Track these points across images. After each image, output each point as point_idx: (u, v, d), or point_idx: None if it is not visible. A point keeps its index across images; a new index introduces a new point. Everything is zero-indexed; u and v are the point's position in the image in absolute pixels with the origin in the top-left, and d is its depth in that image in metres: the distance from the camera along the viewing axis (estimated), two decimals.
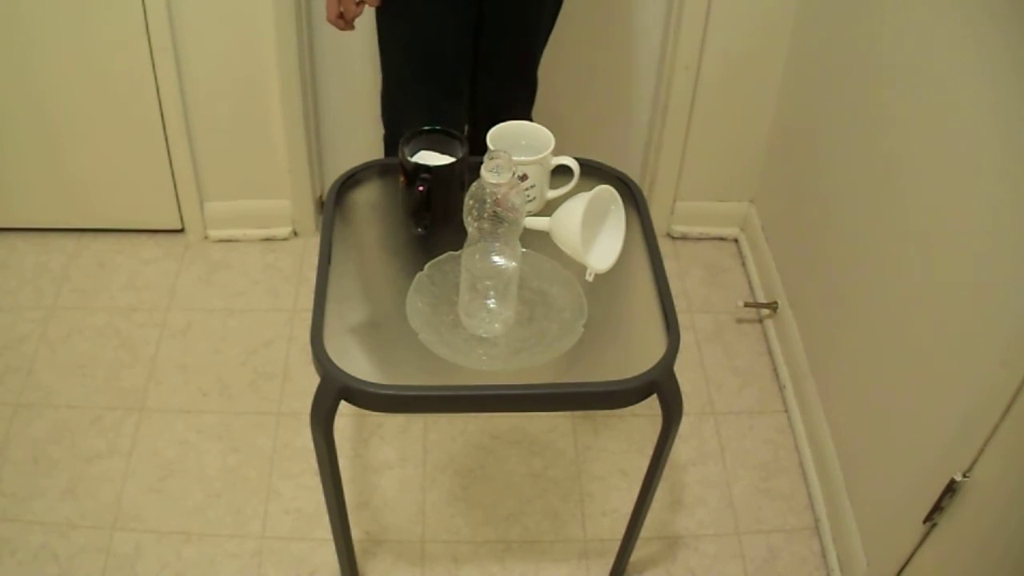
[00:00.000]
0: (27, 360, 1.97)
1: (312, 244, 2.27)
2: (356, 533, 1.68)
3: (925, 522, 1.35)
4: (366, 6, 1.60)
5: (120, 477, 1.78)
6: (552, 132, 1.35)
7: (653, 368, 1.17)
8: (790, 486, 1.82)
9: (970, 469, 1.26)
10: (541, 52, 1.79)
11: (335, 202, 1.38)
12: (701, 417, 1.94)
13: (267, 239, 2.28)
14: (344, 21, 1.60)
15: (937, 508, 1.32)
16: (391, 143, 1.79)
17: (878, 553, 1.53)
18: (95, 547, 1.66)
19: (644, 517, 1.46)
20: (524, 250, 1.23)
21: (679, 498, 1.79)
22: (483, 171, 1.10)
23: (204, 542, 1.69)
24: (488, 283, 1.17)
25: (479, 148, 1.27)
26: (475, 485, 1.80)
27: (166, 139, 2.09)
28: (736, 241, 2.34)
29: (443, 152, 1.32)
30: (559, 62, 1.92)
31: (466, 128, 1.78)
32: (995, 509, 1.23)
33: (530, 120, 1.86)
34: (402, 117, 1.75)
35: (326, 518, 1.58)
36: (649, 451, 1.34)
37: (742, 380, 2.01)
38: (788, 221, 2.06)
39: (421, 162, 1.28)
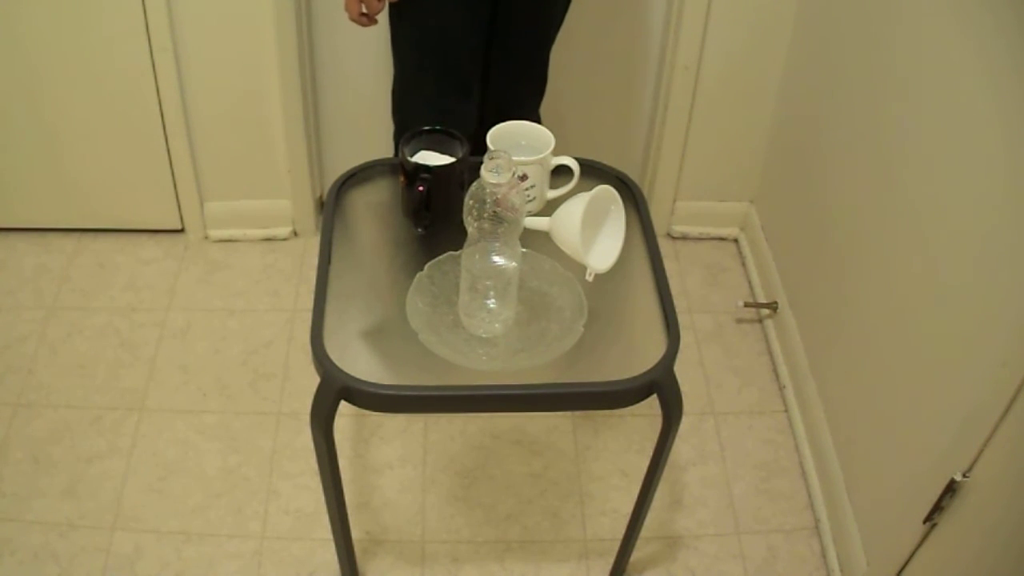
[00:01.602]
0: (27, 360, 1.97)
1: (312, 244, 2.27)
2: (356, 533, 1.68)
3: (925, 522, 1.35)
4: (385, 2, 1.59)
5: (120, 477, 1.78)
6: (552, 132, 1.35)
7: (653, 368, 1.17)
8: (790, 486, 1.82)
9: (970, 469, 1.26)
10: (551, 48, 1.79)
11: (335, 202, 1.38)
12: (701, 417, 1.94)
13: (267, 239, 2.28)
14: (367, 18, 1.60)
15: (937, 508, 1.32)
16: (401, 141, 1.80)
17: (878, 553, 1.53)
18: (95, 547, 1.66)
19: (644, 517, 1.46)
20: (524, 250, 1.23)
21: (679, 498, 1.79)
22: (483, 171, 1.10)
23: (204, 542, 1.69)
24: (488, 283, 1.17)
25: (486, 146, 1.27)
26: (475, 485, 1.80)
27: (166, 139, 2.09)
28: (736, 241, 2.34)
29: (443, 152, 1.32)
30: (559, 62, 1.91)
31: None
32: (995, 509, 1.23)
33: (538, 117, 1.86)
34: (413, 115, 1.75)
35: (326, 518, 1.58)
36: (649, 451, 1.34)
37: (742, 380, 2.01)
38: (788, 221, 2.06)
39: (421, 162, 1.28)
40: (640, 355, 1.19)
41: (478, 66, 1.71)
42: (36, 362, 1.97)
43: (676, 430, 1.23)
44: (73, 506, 1.72)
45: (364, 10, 1.59)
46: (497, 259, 1.15)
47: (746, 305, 2.12)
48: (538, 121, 1.86)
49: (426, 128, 1.32)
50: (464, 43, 1.65)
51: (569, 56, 2.07)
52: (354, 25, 1.62)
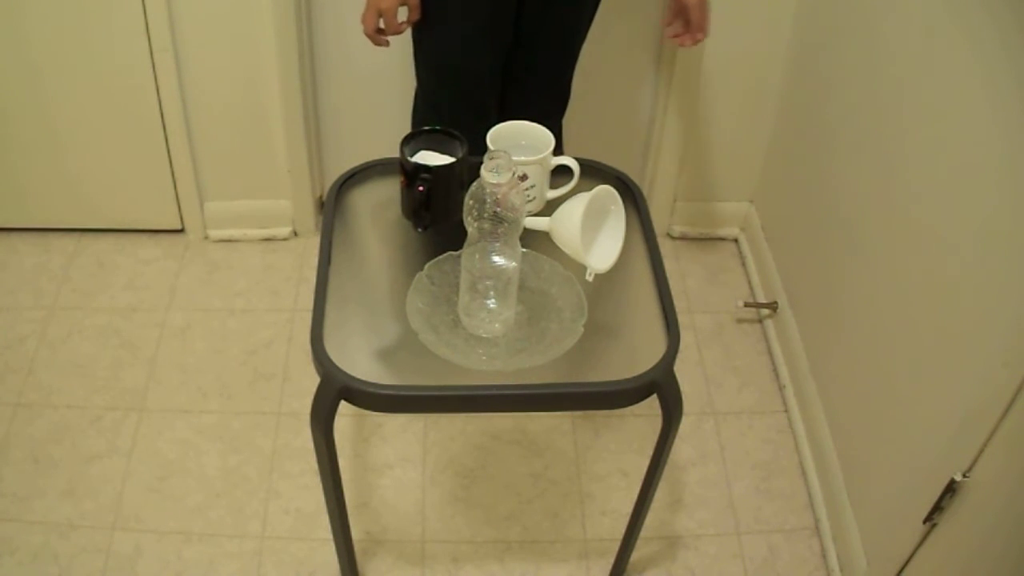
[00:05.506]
0: (27, 360, 1.97)
1: (312, 244, 2.27)
2: (356, 533, 1.68)
3: (925, 522, 1.35)
4: (407, 25, 1.56)
5: (120, 477, 1.78)
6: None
7: (653, 368, 1.17)
8: (790, 486, 1.82)
9: (970, 469, 1.26)
10: (575, 65, 1.77)
11: (335, 202, 1.38)
12: (701, 417, 1.94)
13: (267, 239, 2.28)
14: (382, 36, 1.55)
15: (937, 508, 1.32)
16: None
17: (878, 553, 1.53)
18: (95, 547, 1.66)
19: (644, 517, 1.46)
20: (524, 250, 1.23)
21: (679, 498, 1.79)
22: (483, 171, 1.10)
23: (204, 542, 1.69)
24: (488, 283, 1.17)
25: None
26: (475, 485, 1.80)
27: (166, 139, 2.09)
28: (736, 241, 2.34)
29: (443, 152, 1.32)
30: None
31: None
32: (994, 509, 1.23)
33: (560, 129, 1.85)
34: None
35: (326, 518, 1.58)
36: (649, 451, 1.34)
37: (742, 380, 2.01)
38: (788, 221, 2.06)
39: (421, 162, 1.28)
40: (640, 355, 1.19)
41: (496, 87, 1.70)
42: (36, 362, 1.97)
43: (676, 430, 1.23)
44: (73, 506, 1.72)
45: (382, 25, 1.53)
46: (497, 259, 1.15)
47: (746, 305, 2.12)
48: (559, 133, 1.85)
49: (426, 128, 1.32)
50: (484, 66, 1.64)
51: None
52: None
